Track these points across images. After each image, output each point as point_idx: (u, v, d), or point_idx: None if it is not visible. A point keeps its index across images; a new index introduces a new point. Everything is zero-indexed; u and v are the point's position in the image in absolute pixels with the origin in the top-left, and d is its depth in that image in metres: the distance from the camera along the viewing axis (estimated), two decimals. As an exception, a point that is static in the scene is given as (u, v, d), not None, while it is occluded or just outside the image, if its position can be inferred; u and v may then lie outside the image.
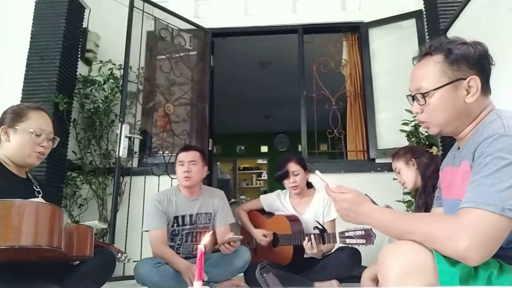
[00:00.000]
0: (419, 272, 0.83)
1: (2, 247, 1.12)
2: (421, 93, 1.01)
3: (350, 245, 1.86)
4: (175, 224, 2.27)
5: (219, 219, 2.35)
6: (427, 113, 1.03)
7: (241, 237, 2.22)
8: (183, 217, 2.29)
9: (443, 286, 0.81)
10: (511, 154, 0.83)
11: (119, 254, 1.79)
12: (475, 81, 0.96)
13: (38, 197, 1.56)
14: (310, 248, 1.98)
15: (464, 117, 1.00)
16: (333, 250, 2.28)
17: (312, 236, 2.00)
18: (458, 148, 1.09)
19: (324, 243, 2.00)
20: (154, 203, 2.24)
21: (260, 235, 2.39)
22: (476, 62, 0.97)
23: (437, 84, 0.98)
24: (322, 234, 2.01)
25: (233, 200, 4.27)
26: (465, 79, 0.96)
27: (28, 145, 1.51)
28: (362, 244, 1.62)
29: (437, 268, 0.82)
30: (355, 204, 1.01)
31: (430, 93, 0.99)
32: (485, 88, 0.99)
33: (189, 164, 2.25)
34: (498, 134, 0.87)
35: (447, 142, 2.74)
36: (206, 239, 0.86)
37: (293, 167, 2.36)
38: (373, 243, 1.60)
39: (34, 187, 1.60)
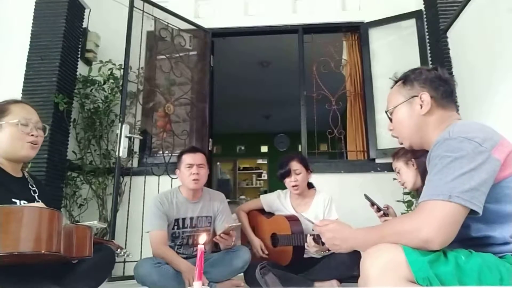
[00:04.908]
0: (395, 268, 0.92)
1: (1, 254, 1.11)
2: (386, 112, 1.25)
3: None
4: (176, 227, 2.26)
5: (219, 222, 2.35)
6: (395, 128, 1.24)
7: (239, 223, 2.19)
8: (183, 219, 2.28)
9: (416, 274, 0.90)
10: (455, 152, 0.98)
11: (118, 250, 1.78)
12: (426, 96, 1.14)
13: (34, 196, 1.56)
14: (315, 245, 1.97)
15: (424, 128, 1.16)
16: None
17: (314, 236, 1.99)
18: None
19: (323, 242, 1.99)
20: (155, 204, 2.23)
21: (258, 246, 2.40)
22: (429, 81, 1.15)
23: (396, 103, 1.21)
24: None
25: (234, 200, 4.26)
26: (417, 96, 1.15)
27: (18, 137, 1.49)
28: None
29: (407, 260, 0.92)
30: (337, 231, 1.13)
31: (392, 111, 1.23)
32: (442, 103, 1.14)
33: (198, 167, 2.25)
34: (443, 138, 1.02)
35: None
36: (203, 238, 0.87)
37: (295, 165, 2.36)
38: None
39: (30, 186, 1.59)
